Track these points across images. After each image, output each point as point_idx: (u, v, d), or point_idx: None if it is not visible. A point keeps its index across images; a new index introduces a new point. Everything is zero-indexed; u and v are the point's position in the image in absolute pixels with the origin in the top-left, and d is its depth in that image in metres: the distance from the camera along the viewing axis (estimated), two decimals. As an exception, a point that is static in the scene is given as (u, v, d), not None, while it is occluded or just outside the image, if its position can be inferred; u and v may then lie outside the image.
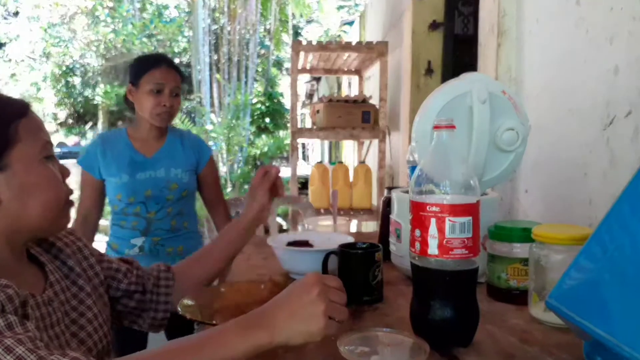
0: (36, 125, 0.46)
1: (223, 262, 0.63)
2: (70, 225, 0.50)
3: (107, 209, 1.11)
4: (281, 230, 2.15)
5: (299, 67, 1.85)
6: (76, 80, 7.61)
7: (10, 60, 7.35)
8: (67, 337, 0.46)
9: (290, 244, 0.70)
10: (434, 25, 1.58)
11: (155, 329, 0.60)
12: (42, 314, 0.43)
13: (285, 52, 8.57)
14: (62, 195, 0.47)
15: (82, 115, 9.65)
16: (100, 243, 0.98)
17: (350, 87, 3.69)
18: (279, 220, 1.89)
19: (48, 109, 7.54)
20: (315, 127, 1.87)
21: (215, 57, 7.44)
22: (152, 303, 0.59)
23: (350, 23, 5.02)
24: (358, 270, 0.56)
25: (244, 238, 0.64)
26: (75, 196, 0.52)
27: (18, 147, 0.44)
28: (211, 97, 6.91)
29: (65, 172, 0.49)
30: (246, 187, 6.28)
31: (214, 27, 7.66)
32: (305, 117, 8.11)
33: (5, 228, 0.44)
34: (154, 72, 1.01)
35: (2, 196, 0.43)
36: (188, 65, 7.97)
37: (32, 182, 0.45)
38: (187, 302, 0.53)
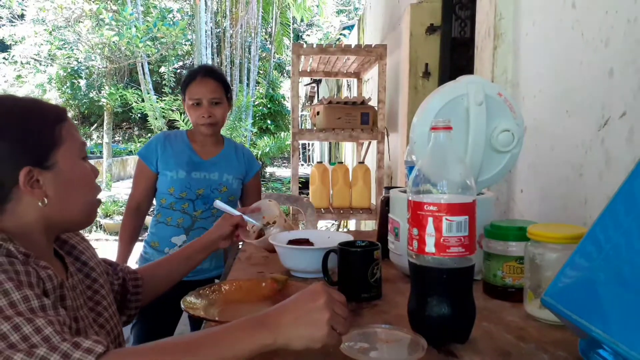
0: (74, 127, 0.50)
1: (179, 273, 0.69)
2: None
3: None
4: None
5: (300, 69, 1.86)
6: (81, 82, 7.68)
7: (16, 62, 7.42)
8: (90, 320, 0.49)
9: (291, 242, 0.71)
10: (431, 29, 1.59)
11: (125, 324, 0.64)
12: (71, 297, 0.47)
13: (287, 55, 8.63)
14: (96, 192, 0.51)
15: (87, 117, 9.72)
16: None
17: (349, 89, 3.71)
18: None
19: (53, 111, 7.56)
20: (315, 128, 1.88)
21: (218, 59, 7.49)
22: (130, 302, 0.63)
23: (350, 27, 5.06)
24: (357, 268, 0.57)
25: (199, 256, 0.70)
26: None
27: (63, 147, 0.48)
28: (213, 99, 6.89)
29: (95, 172, 0.52)
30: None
31: (217, 30, 7.71)
32: (306, 118, 8.14)
33: (46, 220, 0.47)
34: (191, 86, 1.08)
35: (49, 192, 0.47)
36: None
37: (75, 179, 0.49)
38: (190, 299, 0.54)
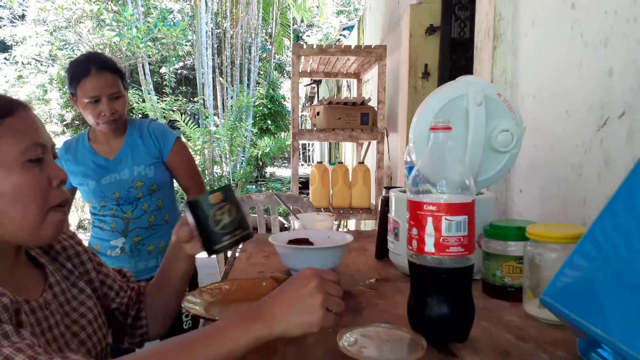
0: (24, 125, 0.42)
1: (172, 292, 0.59)
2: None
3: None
4: (282, 228, 2.17)
5: (300, 70, 1.87)
6: (82, 83, 7.65)
7: (17, 62, 7.44)
8: (67, 338, 0.45)
9: (291, 242, 0.71)
10: (431, 29, 1.60)
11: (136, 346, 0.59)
12: (37, 319, 0.43)
13: (287, 56, 8.64)
14: (43, 203, 0.42)
15: (87, 117, 9.66)
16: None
17: (349, 90, 3.72)
18: (280, 219, 1.90)
19: (54, 111, 7.62)
20: (315, 128, 1.89)
21: (218, 60, 7.50)
22: (132, 328, 0.58)
23: (350, 28, 5.07)
24: (201, 221, 0.50)
25: (172, 264, 0.58)
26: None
27: None
28: (214, 99, 6.96)
29: (56, 176, 0.44)
30: (249, 186, 6.32)
31: (217, 31, 7.72)
32: (306, 118, 8.16)
33: None
34: (84, 82, 0.95)
35: None
36: (192, 68, 8.04)
37: (8, 188, 0.40)
38: (191, 298, 0.54)
